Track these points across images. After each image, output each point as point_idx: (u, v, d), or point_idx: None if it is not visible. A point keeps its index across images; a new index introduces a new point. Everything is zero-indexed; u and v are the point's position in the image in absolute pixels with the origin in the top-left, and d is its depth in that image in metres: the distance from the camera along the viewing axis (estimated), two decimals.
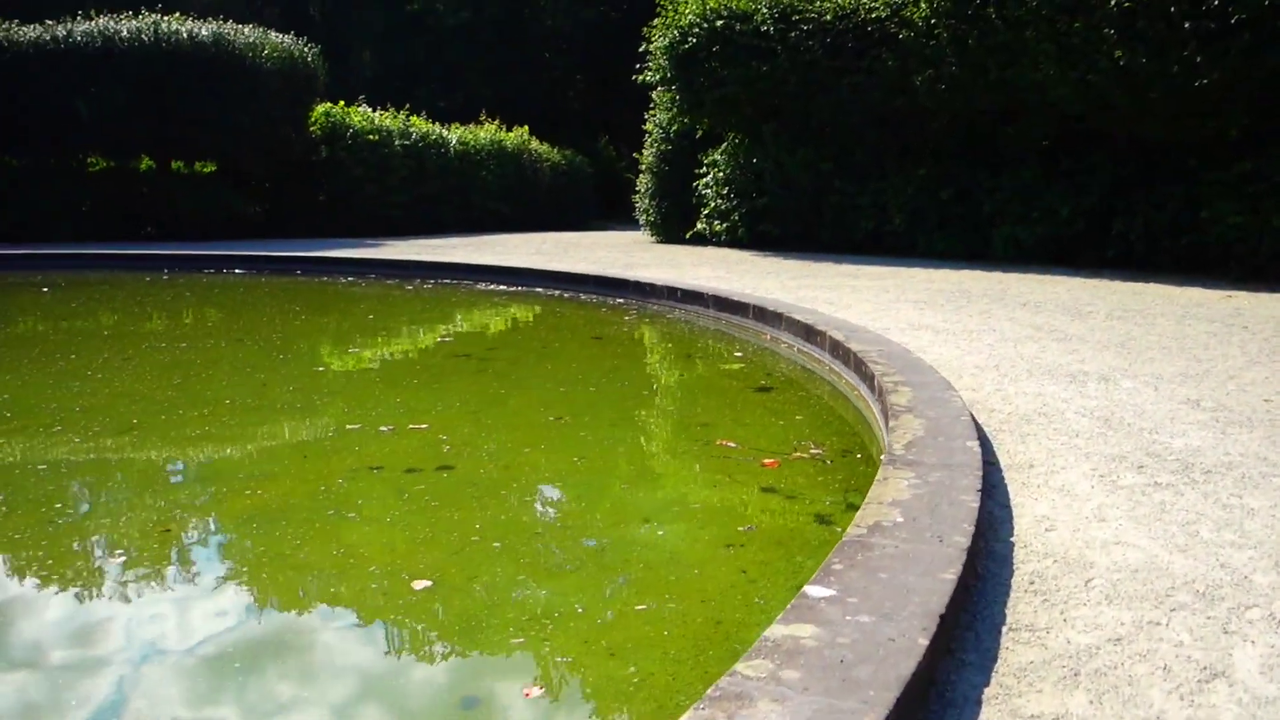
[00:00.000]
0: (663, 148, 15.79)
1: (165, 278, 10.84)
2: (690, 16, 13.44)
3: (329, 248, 14.12)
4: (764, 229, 13.57)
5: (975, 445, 2.90)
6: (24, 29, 16.03)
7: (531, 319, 7.75)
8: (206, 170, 18.15)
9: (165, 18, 16.18)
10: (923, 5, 11.05)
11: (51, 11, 19.54)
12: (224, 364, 5.54)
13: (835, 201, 12.83)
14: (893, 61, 11.55)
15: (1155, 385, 4.29)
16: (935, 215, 11.85)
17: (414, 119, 20.48)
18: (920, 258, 11.90)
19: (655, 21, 14.06)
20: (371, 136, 18.47)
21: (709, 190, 14.37)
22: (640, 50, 14.48)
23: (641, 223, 16.83)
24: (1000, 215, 11.25)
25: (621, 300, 8.33)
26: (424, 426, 3.98)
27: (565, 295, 8.90)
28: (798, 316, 5.83)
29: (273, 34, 17.26)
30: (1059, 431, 3.48)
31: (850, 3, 12.13)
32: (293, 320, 7.54)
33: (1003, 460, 3.12)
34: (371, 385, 5.02)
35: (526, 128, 24.66)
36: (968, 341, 5.52)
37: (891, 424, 3.25)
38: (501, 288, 9.58)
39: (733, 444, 3.70)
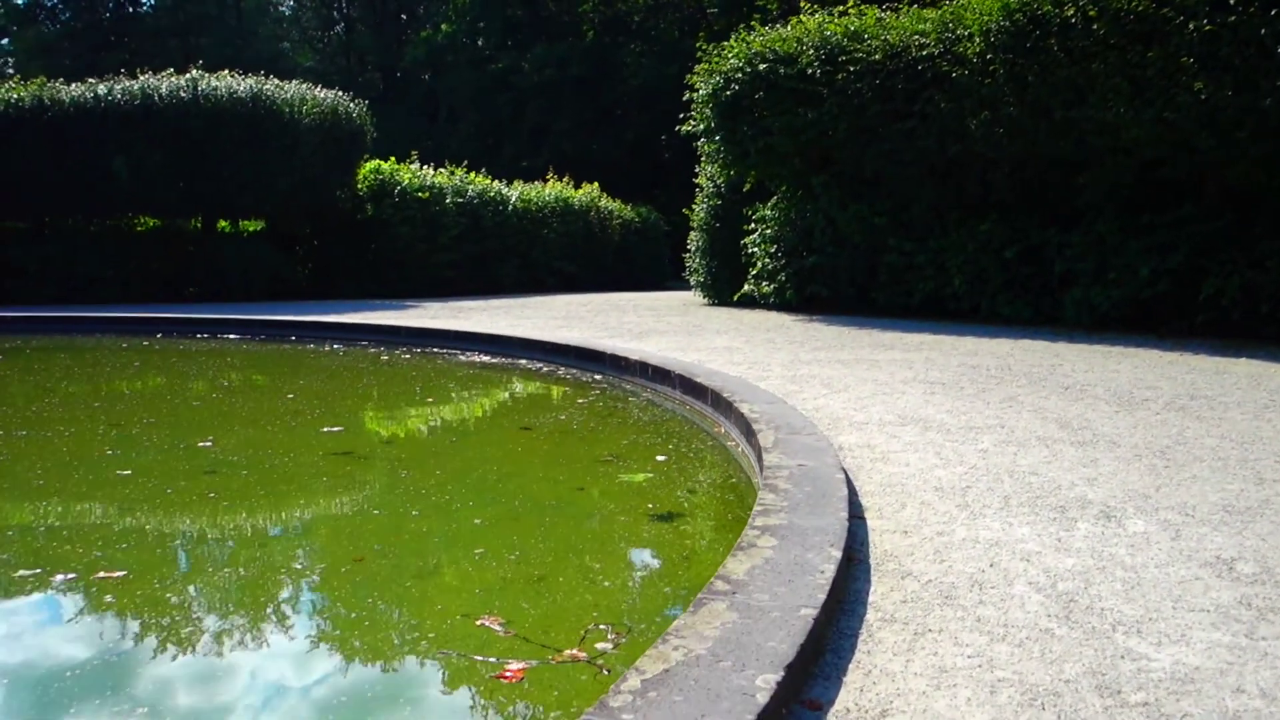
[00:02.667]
0: (713, 203, 14.68)
1: (146, 344, 10.16)
2: (733, 61, 12.39)
3: (345, 311, 13.38)
4: (813, 291, 12.30)
5: (782, 668, 1.68)
6: (66, 88, 15.92)
7: (473, 399, 6.67)
8: (251, 230, 17.76)
9: (205, 75, 15.87)
10: (977, 39, 9.77)
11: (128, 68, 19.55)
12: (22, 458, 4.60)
13: (891, 261, 11.51)
14: (946, 104, 10.26)
15: (1177, 530, 2.96)
16: (999, 276, 10.43)
17: (472, 175, 19.86)
18: (983, 323, 10.48)
19: (698, 68, 13.05)
20: (421, 194, 17.84)
21: (757, 249, 13.19)
22: (685, 100, 13.47)
23: (692, 283, 15.70)
24: (1072, 276, 9.79)
25: (598, 375, 7.21)
26: (119, 574, 2.91)
27: (543, 368, 7.83)
28: (745, 408, 4.62)
29: (318, 90, 16.84)
30: (981, 627, 2.21)
31: (900, 40, 10.90)
32: (208, 398, 6.62)
33: (845, 699, 1.88)
34: (152, 498, 4.00)
35: (596, 185, 23.90)
36: (957, 444, 4.23)
37: (696, 614, 2.05)
38: (483, 358, 8.56)
39: (498, 628, 2.52)
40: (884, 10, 11.81)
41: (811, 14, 12.31)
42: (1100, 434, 4.46)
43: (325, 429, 5.20)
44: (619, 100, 35.69)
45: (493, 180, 20.52)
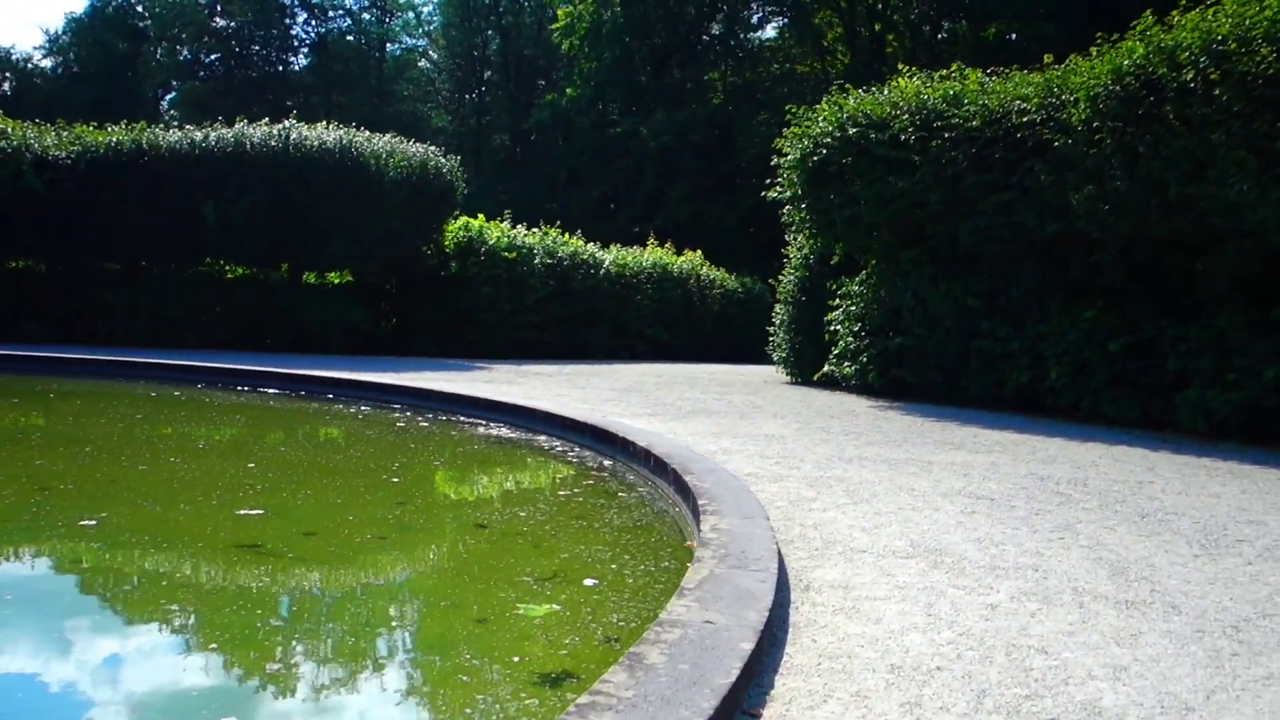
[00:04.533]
0: (800, 275, 13.74)
1: (178, 394, 9.78)
2: (822, 125, 11.55)
3: (417, 370, 12.88)
4: (898, 375, 11.23)
5: None
6: (165, 133, 16.09)
7: (448, 483, 5.87)
8: (335, 281, 17.60)
9: (298, 125, 15.82)
10: (1083, 105, 8.71)
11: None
12: None
13: (983, 346, 10.38)
14: (1046, 176, 9.19)
15: None
16: (1104, 371, 9.21)
17: (566, 237, 19.40)
18: (1082, 423, 9.27)
19: (787, 131, 12.24)
20: (508, 254, 17.41)
21: (840, 326, 12.19)
22: (773, 165, 12.67)
23: (775, 359, 14.73)
24: (1187, 375, 8.53)
25: (608, 459, 6.38)
26: None
27: (558, 446, 7.03)
28: (710, 522, 3.73)
29: (409, 144, 16.63)
30: None
31: (1000, 105, 9.89)
32: (160, 460, 6.03)
33: None
34: None
35: (699, 252, 23.21)
36: (963, 593, 3.26)
37: None
38: (503, 431, 7.81)
39: None
40: (989, 76, 10.84)
41: (910, 78, 11.41)
42: (1161, 590, 3.41)
43: (244, 511, 4.49)
44: (738, 169, 35.10)
45: (587, 243, 20.02)
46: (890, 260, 11.52)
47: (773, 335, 14.74)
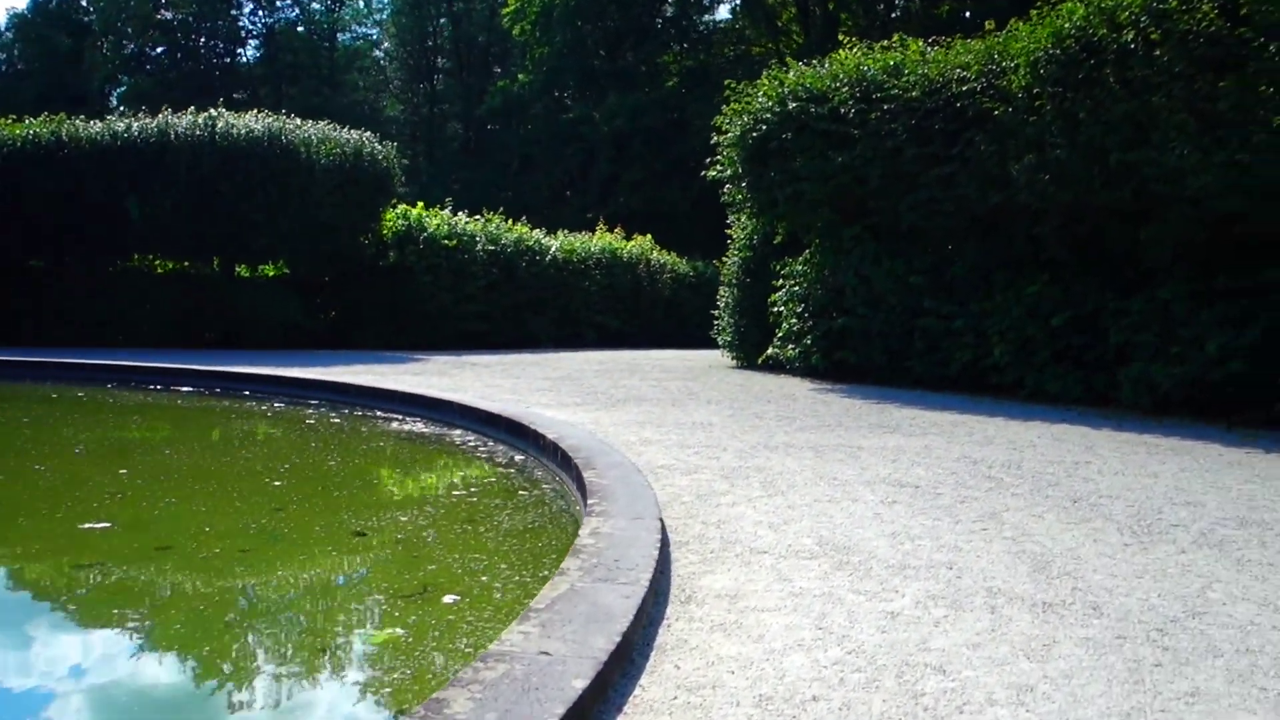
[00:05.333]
0: (744, 256, 13.37)
1: (80, 395, 9.26)
2: (762, 100, 11.16)
3: (352, 363, 12.40)
4: (842, 357, 10.90)
5: None
6: (86, 124, 15.43)
7: (339, 486, 5.38)
8: (269, 275, 17.02)
9: (224, 113, 15.22)
10: (1023, 71, 8.38)
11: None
12: None
13: (927, 325, 10.07)
14: (986, 146, 8.87)
15: None
16: (1047, 348, 8.93)
17: (512, 224, 18.91)
18: (1027, 401, 8.99)
19: (726, 108, 11.84)
20: (448, 241, 16.90)
21: (784, 307, 11.84)
22: (713, 143, 12.27)
23: (720, 344, 14.36)
24: (1130, 349, 8.25)
25: (520, 454, 5.98)
26: None
27: (471, 441, 6.63)
28: (592, 524, 3.36)
29: (343, 131, 16.07)
30: None
31: (940, 74, 9.55)
32: (24, 469, 5.56)
33: None
34: None
35: (649, 237, 22.80)
36: (864, 598, 2.91)
37: None
38: (419, 426, 7.38)
39: None
40: (930, 46, 10.48)
41: (851, 49, 11.04)
42: (1084, 587, 3.06)
43: (89, 525, 4.05)
44: (692, 152, 34.63)
45: (533, 229, 19.56)
46: (833, 238, 11.18)
47: (717, 319, 14.37)
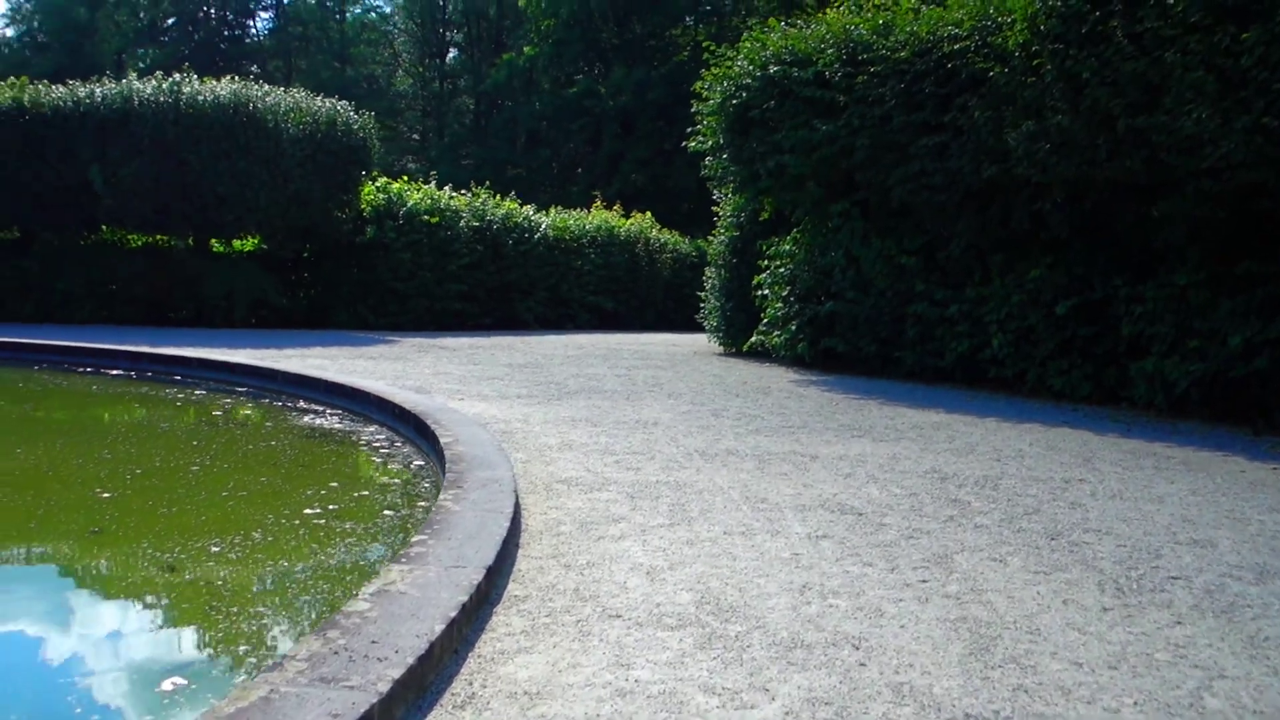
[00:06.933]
0: (731, 235, 12.48)
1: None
2: (743, 63, 10.25)
3: (319, 345, 11.62)
4: (829, 345, 10.02)
5: None
6: (49, 90, 14.66)
7: (183, 498, 4.48)
8: (242, 250, 16.23)
9: (192, 79, 14.41)
10: (1020, 27, 7.45)
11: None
12: None
13: (919, 311, 9.18)
14: (981, 112, 7.95)
15: None
16: (1051, 338, 8.03)
17: (499, 199, 18.05)
18: (1028, 397, 8.11)
19: (706, 73, 10.94)
20: (429, 217, 16.06)
21: (768, 290, 10.95)
22: (693, 111, 11.37)
23: (706, 328, 13.48)
24: (1143, 341, 7.35)
25: (421, 460, 5.15)
26: None
27: (379, 440, 5.82)
28: (406, 572, 2.53)
29: (316, 99, 15.23)
30: None
31: (930, 32, 8.62)
32: None
33: None
34: None
35: (649, 214, 21.89)
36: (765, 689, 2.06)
37: None
38: (329, 420, 6.57)
39: None
40: (924, 3, 9.53)
41: (839, 8, 10.10)
42: (1032, 686, 2.21)
43: None
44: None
45: (537, 208, 18.72)
46: (819, 215, 10.28)
47: (704, 301, 13.50)
